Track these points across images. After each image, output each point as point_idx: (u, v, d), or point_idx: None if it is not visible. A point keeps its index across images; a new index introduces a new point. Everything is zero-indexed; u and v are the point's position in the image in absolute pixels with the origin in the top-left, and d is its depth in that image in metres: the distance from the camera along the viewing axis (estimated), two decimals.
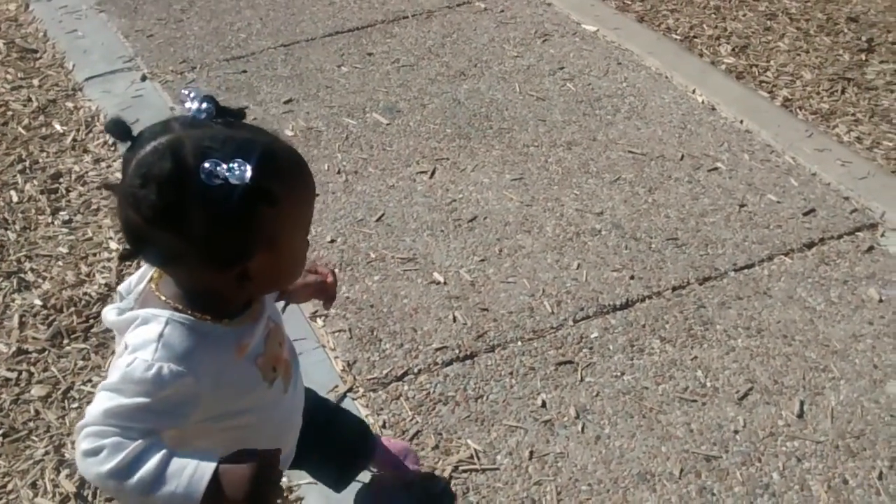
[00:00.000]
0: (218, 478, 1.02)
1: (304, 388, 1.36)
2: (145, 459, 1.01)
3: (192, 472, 1.02)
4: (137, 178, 1.01)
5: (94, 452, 1.02)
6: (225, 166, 0.98)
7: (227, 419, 1.15)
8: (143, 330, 1.07)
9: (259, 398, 1.19)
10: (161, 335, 1.06)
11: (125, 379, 1.03)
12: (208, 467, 1.02)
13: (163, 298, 1.11)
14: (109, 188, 1.13)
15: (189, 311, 1.10)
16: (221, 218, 1.01)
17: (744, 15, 3.90)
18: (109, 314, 1.15)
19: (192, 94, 1.05)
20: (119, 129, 1.05)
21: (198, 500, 1.01)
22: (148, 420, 1.03)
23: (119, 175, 1.09)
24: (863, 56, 3.59)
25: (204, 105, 1.03)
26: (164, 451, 1.02)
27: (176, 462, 1.02)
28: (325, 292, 1.39)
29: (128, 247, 1.09)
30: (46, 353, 2.19)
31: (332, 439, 1.60)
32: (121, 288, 1.20)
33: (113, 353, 1.19)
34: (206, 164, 0.98)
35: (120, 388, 1.04)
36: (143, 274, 1.18)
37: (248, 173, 0.99)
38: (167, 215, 1.01)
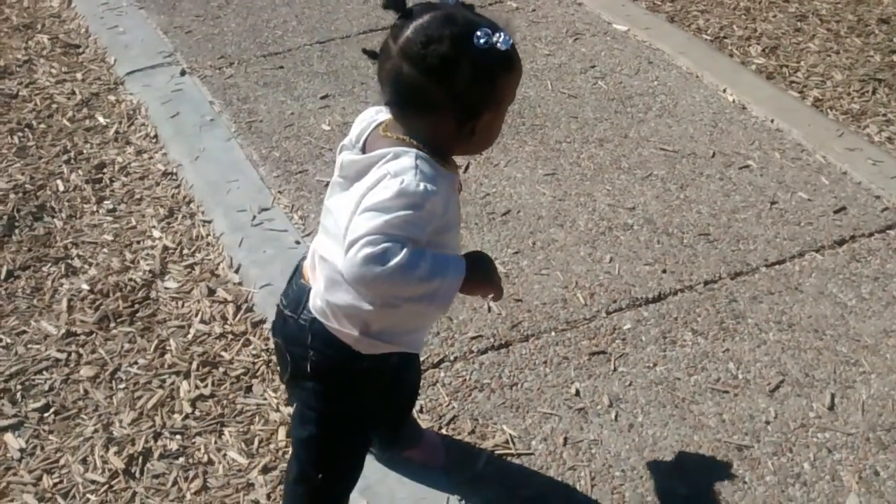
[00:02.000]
0: (469, 260, 1.31)
1: None
2: (420, 255, 1.23)
3: (454, 259, 1.30)
4: (422, 37, 1.25)
5: (376, 256, 1.20)
6: (494, 35, 1.24)
7: (434, 248, 1.31)
8: (399, 161, 1.28)
9: (452, 238, 1.42)
10: (416, 164, 1.27)
11: (400, 194, 1.23)
12: (458, 256, 1.32)
13: (402, 139, 1.32)
14: (370, 53, 1.34)
15: (425, 152, 1.31)
16: (480, 75, 1.26)
17: (774, 16, 3.92)
18: (351, 156, 1.37)
19: None
20: (397, 1, 1.29)
21: (462, 277, 1.28)
22: (409, 230, 1.23)
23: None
24: (894, 57, 3.60)
25: None
26: (430, 250, 1.25)
27: (438, 255, 1.27)
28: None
29: (392, 97, 1.31)
30: (94, 335, 2.27)
31: (409, 411, 1.87)
32: (345, 142, 1.42)
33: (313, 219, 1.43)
34: (479, 32, 1.23)
35: (388, 206, 1.22)
36: (361, 132, 1.40)
37: (510, 42, 1.25)
38: (442, 68, 1.25)
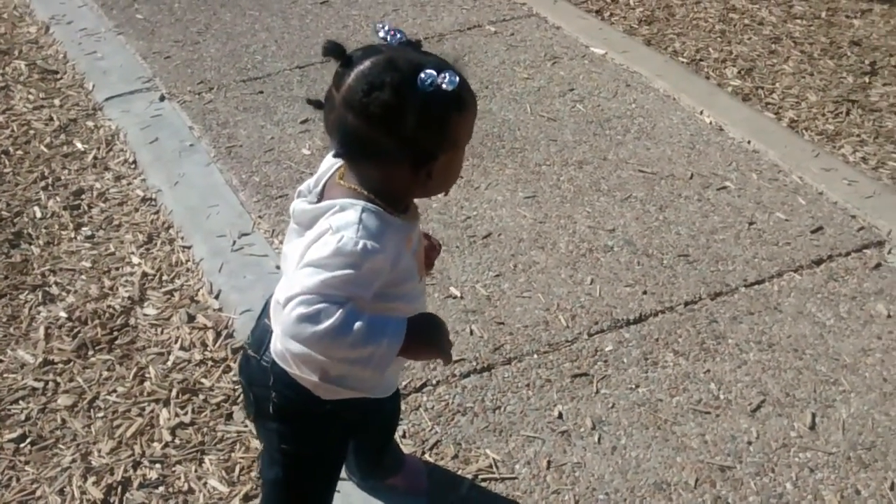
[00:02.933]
0: (411, 326, 1.24)
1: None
2: (356, 318, 1.19)
3: (394, 323, 1.23)
4: (364, 85, 1.20)
5: (309, 317, 1.17)
6: (438, 76, 1.18)
7: (388, 301, 1.30)
8: (344, 214, 1.24)
9: (412, 288, 1.38)
10: (360, 219, 1.23)
11: (337, 253, 1.19)
12: (403, 319, 1.25)
13: (353, 188, 1.28)
14: (314, 103, 1.30)
15: (377, 203, 1.27)
16: (428, 119, 1.21)
17: (749, 38, 3.98)
18: (301, 205, 1.33)
19: (385, 26, 1.27)
20: (336, 48, 1.24)
21: (400, 344, 1.22)
22: (348, 289, 1.20)
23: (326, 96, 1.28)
24: (866, 79, 3.66)
25: (397, 34, 1.26)
26: (366, 313, 1.21)
27: (378, 318, 1.22)
28: (428, 258, 1.52)
29: (339, 149, 1.27)
30: (72, 363, 2.24)
31: (388, 442, 1.83)
32: (301, 188, 1.39)
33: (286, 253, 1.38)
34: (423, 74, 1.18)
35: (327, 263, 1.19)
36: (319, 177, 1.37)
37: (457, 81, 1.19)
38: (389, 116, 1.20)
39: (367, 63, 1.21)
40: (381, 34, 1.25)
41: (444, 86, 1.18)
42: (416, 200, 1.38)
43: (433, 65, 1.20)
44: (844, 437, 2.04)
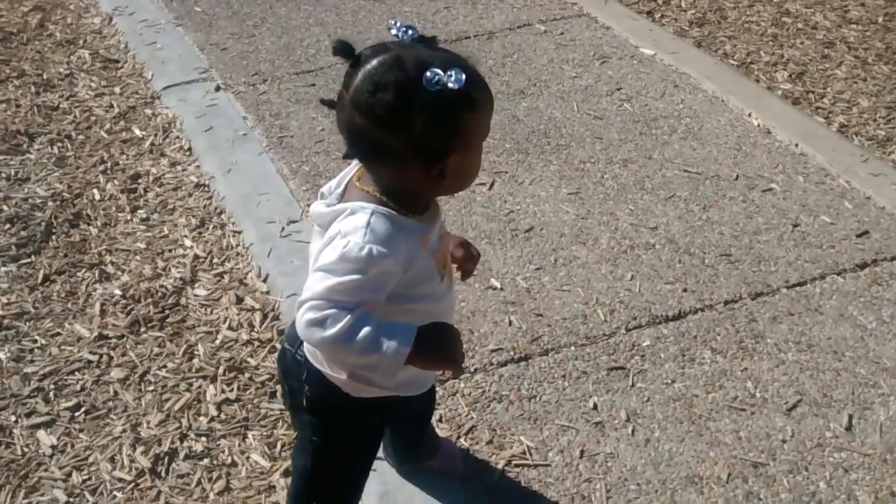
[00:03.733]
0: (420, 335, 1.23)
1: (455, 296, 1.53)
2: (363, 325, 1.20)
3: (402, 331, 1.22)
4: (369, 86, 1.18)
5: (318, 322, 1.20)
6: (444, 74, 1.16)
7: (407, 302, 1.31)
8: (353, 218, 1.24)
9: (432, 289, 1.36)
10: (369, 223, 1.23)
11: (342, 258, 1.20)
12: (413, 327, 1.24)
13: (367, 191, 1.28)
14: (327, 103, 1.29)
15: (389, 205, 1.26)
16: (436, 118, 1.19)
17: (801, 43, 3.94)
18: (319, 207, 1.33)
19: (397, 23, 1.24)
20: (345, 47, 1.22)
21: (406, 354, 1.21)
22: (357, 295, 1.21)
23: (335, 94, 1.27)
24: None
25: (409, 31, 1.23)
26: (376, 318, 1.21)
27: (386, 325, 1.22)
28: (465, 269, 1.55)
29: (350, 150, 1.27)
30: (125, 339, 2.33)
31: (423, 430, 1.86)
32: (323, 189, 1.39)
33: (307, 254, 1.39)
34: (428, 73, 1.16)
35: (335, 269, 1.20)
36: (341, 178, 1.37)
37: (463, 79, 1.16)
38: (394, 117, 1.18)
39: (374, 62, 1.19)
40: (394, 31, 1.23)
41: (450, 84, 1.16)
42: (439, 199, 1.37)
43: (440, 62, 1.17)
44: (881, 440, 2.03)
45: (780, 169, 3.02)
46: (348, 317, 1.19)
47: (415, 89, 1.17)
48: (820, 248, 2.64)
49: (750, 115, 3.35)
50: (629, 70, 3.64)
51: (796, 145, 3.16)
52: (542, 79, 3.57)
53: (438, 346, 1.27)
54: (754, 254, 2.61)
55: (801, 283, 2.50)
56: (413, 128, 1.19)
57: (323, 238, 1.28)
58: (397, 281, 1.27)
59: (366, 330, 1.20)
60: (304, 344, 1.37)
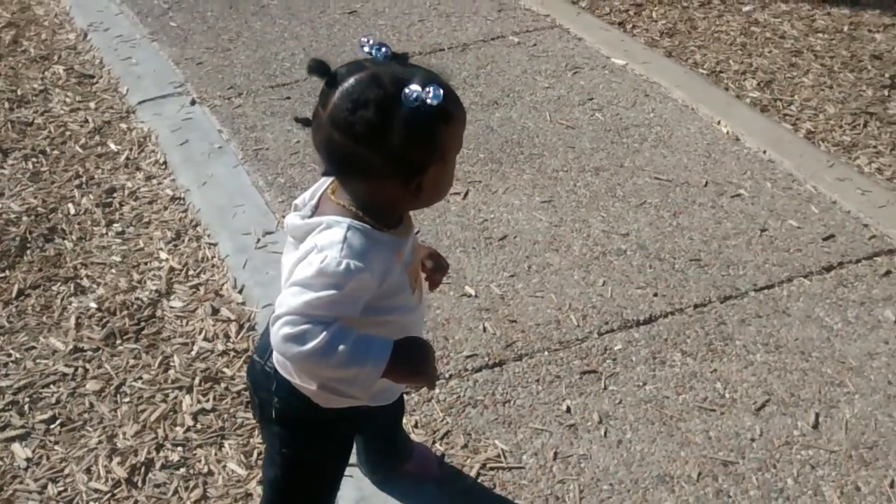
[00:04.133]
0: (397, 350, 1.26)
1: (424, 307, 1.56)
2: (341, 340, 1.21)
3: (379, 345, 1.25)
4: (348, 104, 1.20)
5: (295, 337, 1.21)
6: (422, 90, 1.18)
7: (380, 314, 1.33)
8: (329, 233, 1.26)
9: (404, 301, 1.39)
10: (345, 237, 1.24)
11: (320, 273, 1.22)
12: (389, 341, 1.26)
13: (342, 205, 1.30)
14: (302, 121, 1.31)
15: (364, 219, 1.28)
16: (414, 134, 1.21)
17: (769, 52, 4.02)
18: (293, 220, 1.34)
19: (369, 41, 1.27)
20: (320, 66, 1.24)
21: (383, 367, 1.24)
22: (334, 309, 1.22)
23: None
24: (885, 92, 3.69)
25: (382, 49, 1.26)
26: (354, 333, 1.23)
27: (363, 340, 1.24)
28: (434, 280, 1.58)
29: (328, 167, 1.29)
30: (100, 351, 2.34)
31: (394, 436, 1.88)
32: (297, 201, 1.40)
33: (280, 269, 1.40)
34: (407, 90, 1.18)
35: (311, 283, 1.22)
36: (315, 190, 1.38)
37: (441, 95, 1.19)
38: (374, 133, 1.21)
39: (351, 81, 1.21)
40: (367, 49, 1.26)
41: (428, 100, 1.18)
42: (411, 213, 1.40)
43: (418, 79, 1.20)
44: (847, 437, 2.08)
45: (748, 175, 3.08)
46: (325, 332, 1.21)
47: (393, 106, 1.19)
48: (787, 251, 2.70)
49: (719, 122, 3.42)
50: (601, 80, 3.70)
51: (764, 152, 3.22)
52: (515, 89, 3.62)
53: (414, 360, 1.30)
54: (723, 258, 2.66)
55: (769, 286, 2.55)
56: (392, 143, 1.21)
57: (297, 250, 1.30)
58: (371, 295, 1.28)
59: (343, 345, 1.21)
60: (274, 355, 1.37)
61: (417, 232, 2.58)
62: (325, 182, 1.37)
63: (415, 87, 1.18)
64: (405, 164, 1.24)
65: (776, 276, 2.59)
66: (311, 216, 1.33)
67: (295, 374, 1.38)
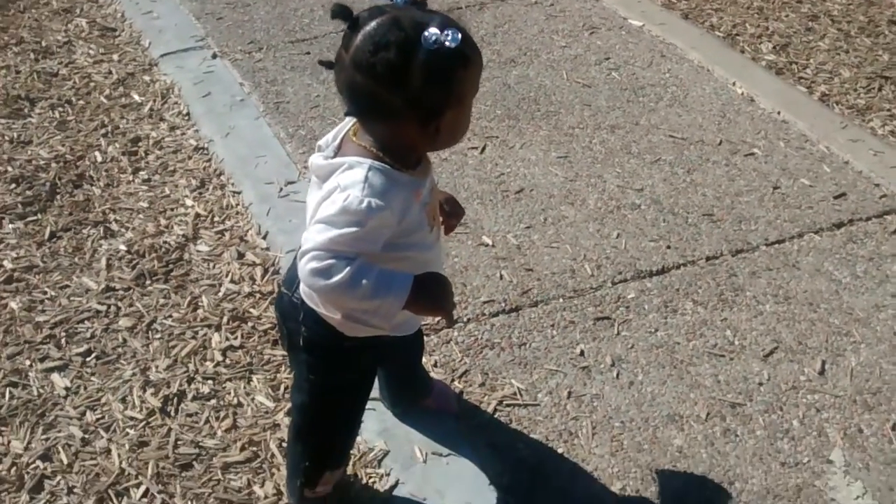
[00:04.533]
0: (417, 283, 1.32)
1: (442, 245, 1.62)
2: (365, 274, 1.28)
3: (401, 279, 1.31)
4: (370, 45, 1.24)
5: (321, 271, 1.28)
6: (441, 34, 1.22)
7: (399, 250, 1.40)
8: (351, 173, 1.32)
9: (422, 238, 1.45)
10: (366, 177, 1.30)
11: (342, 211, 1.28)
12: (410, 276, 1.32)
13: (364, 146, 1.35)
14: (326, 64, 1.35)
15: (384, 160, 1.34)
16: (433, 76, 1.25)
17: (786, 16, 4.04)
18: (317, 160, 1.40)
19: None
20: (343, 11, 1.28)
21: (404, 299, 1.31)
22: (356, 245, 1.29)
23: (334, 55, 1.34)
24: None
25: None
26: (377, 267, 1.30)
27: (386, 274, 1.31)
28: (450, 224, 1.66)
29: (351, 107, 1.34)
30: (131, 291, 2.43)
31: (413, 372, 1.97)
32: (320, 142, 1.45)
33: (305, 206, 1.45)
34: (427, 33, 1.22)
35: (335, 221, 1.28)
36: (338, 132, 1.43)
37: (459, 38, 1.23)
38: (394, 74, 1.25)
39: (372, 24, 1.25)
40: None
41: (447, 43, 1.22)
42: (429, 155, 1.45)
43: (437, 23, 1.24)
44: (851, 383, 2.16)
45: (762, 135, 3.13)
46: (350, 266, 1.27)
47: (413, 48, 1.23)
48: (798, 208, 2.75)
49: (734, 84, 3.45)
50: (617, 40, 3.73)
51: (778, 113, 3.26)
52: (532, 48, 3.66)
53: (433, 293, 1.36)
54: (735, 213, 2.73)
55: (780, 241, 2.61)
56: (412, 85, 1.25)
57: (321, 190, 1.35)
58: (392, 232, 1.35)
59: (367, 279, 1.28)
60: (300, 286, 1.45)
61: (434, 175, 2.65)
62: (348, 124, 1.42)
63: (434, 30, 1.22)
64: (424, 106, 1.28)
65: (787, 232, 2.65)
66: (333, 157, 1.39)
67: (321, 304, 1.46)
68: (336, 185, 1.31)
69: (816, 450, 1.99)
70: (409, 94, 1.26)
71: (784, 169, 2.94)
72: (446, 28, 1.23)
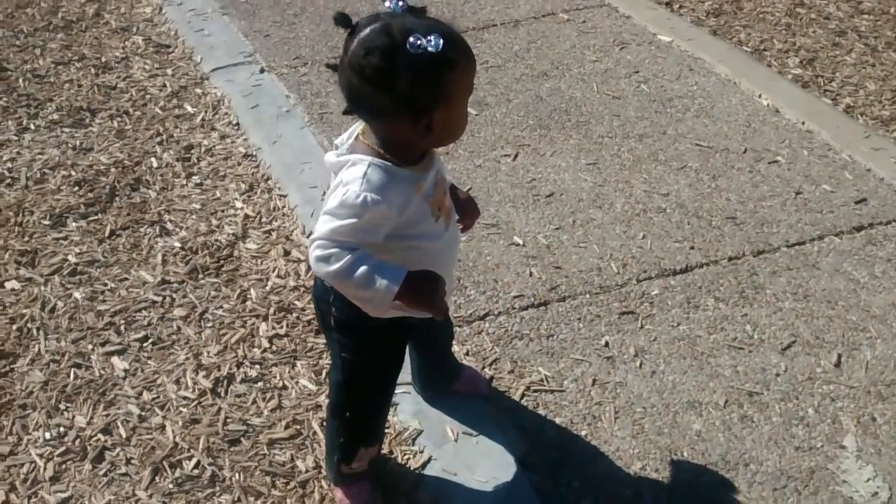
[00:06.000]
0: (410, 278, 1.44)
1: (458, 236, 1.74)
2: (362, 264, 1.43)
3: (394, 272, 1.44)
4: (361, 50, 1.38)
5: (323, 258, 1.44)
6: (424, 39, 1.35)
7: (406, 240, 1.54)
8: (353, 169, 1.47)
9: (428, 228, 1.57)
10: (365, 173, 1.44)
11: (342, 204, 1.43)
12: (403, 269, 1.45)
13: (368, 144, 1.49)
14: (332, 66, 1.49)
15: (385, 157, 1.48)
16: (418, 78, 1.38)
17: (814, 31, 4.14)
18: (330, 157, 1.55)
19: None
20: (344, 18, 1.43)
21: (396, 291, 1.43)
22: (355, 235, 1.43)
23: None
24: None
25: (400, 3, 1.44)
26: (374, 259, 1.44)
27: (381, 265, 1.44)
28: (466, 224, 1.79)
29: (348, 106, 1.48)
30: (185, 283, 2.60)
31: (443, 358, 2.11)
32: (337, 141, 1.60)
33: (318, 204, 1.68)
34: (412, 38, 1.35)
35: (337, 213, 1.43)
36: (352, 132, 1.58)
37: (441, 43, 1.36)
38: (382, 76, 1.38)
39: (366, 30, 1.38)
40: (388, 3, 1.44)
41: (429, 48, 1.34)
42: (437, 151, 1.58)
43: (423, 29, 1.36)
44: (866, 375, 2.25)
45: (786, 144, 3.23)
46: (349, 255, 1.42)
47: (400, 52, 1.36)
48: (820, 212, 2.85)
49: (760, 96, 3.56)
50: (647, 55, 3.87)
51: (803, 123, 3.37)
52: (564, 62, 3.80)
53: (423, 289, 1.49)
54: (758, 217, 2.83)
55: (801, 243, 2.71)
56: (399, 86, 1.38)
57: (333, 183, 1.51)
58: (394, 223, 1.48)
59: (363, 268, 1.42)
60: None
61: (440, 169, 2.79)
62: (360, 124, 1.55)
63: (418, 35, 1.35)
64: (412, 106, 1.40)
65: (808, 234, 2.75)
66: (345, 154, 1.52)
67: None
68: (340, 180, 1.46)
69: (830, 436, 2.09)
70: (397, 95, 1.39)
71: (807, 175, 3.04)
72: (430, 33, 1.36)
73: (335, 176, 1.53)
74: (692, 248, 2.70)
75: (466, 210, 1.78)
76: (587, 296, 2.52)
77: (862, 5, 4.39)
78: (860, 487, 1.96)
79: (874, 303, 2.48)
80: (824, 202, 2.90)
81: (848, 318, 2.43)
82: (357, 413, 1.85)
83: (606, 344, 2.35)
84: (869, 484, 1.97)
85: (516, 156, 3.18)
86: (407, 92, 1.39)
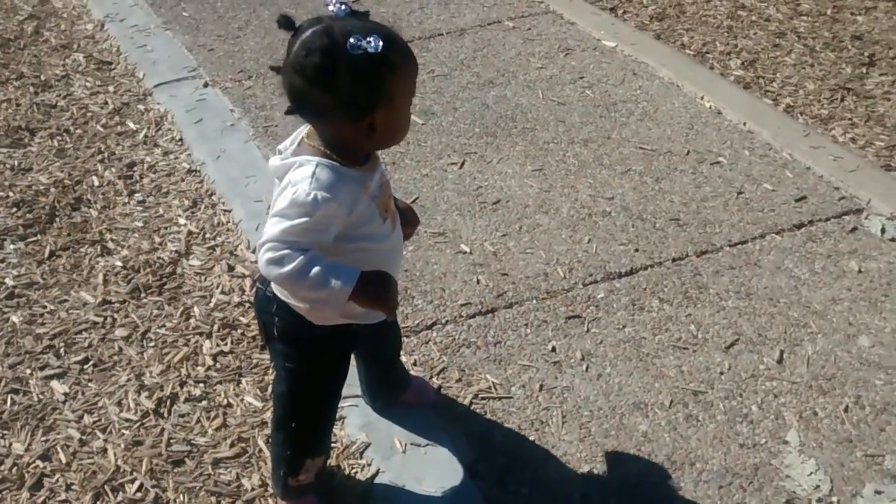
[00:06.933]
0: (363, 278, 1.46)
1: (402, 240, 1.74)
2: (315, 265, 1.43)
3: (347, 272, 1.45)
4: (303, 51, 1.40)
5: (275, 261, 1.43)
6: (364, 40, 1.37)
7: (355, 241, 1.54)
8: (301, 170, 1.47)
9: (375, 229, 1.58)
10: (314, 173, 1.45)
11: (292, 204, 1.42)
12: (356, 269, 1.46)
13: (314, 146, 1.50)
14: (276, 69, 1.50)
15: (332, 157, 1.48)
16: (358, 78, 1.40)
17: (754, 33, 4.21)
18: (275, 161, 1.55)
19: (333, 1, 1.45)
20: (287, 21, 1.45)
21: (349, 291, 1.44)
22: (307, 235, 1.43)
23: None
24: (864, 69, 3.88)
25: (342, 6, 1.44)
26: (326, 260, 1.44)
27: (334, 266, 1.45)
28: (406, 233, 1.78)
29: (291, 106, 1.48)
30: (127, 303, 2.56)
31: (392, 368, 2.10)
32: (280, 146, 1.60)
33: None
34: (352, 39, 1.37)
35: (287, 213, 1.43)
36: (295, 136, 1.58)
37: (381, 45, 1.38)
38: (323, 76, 1.40)
39: (308, 32, 1.40)
40: (331, 7, 1.44)
41: (369, 49, 1.37)
42: (379, 154, 1.60)
43: (363, 31, 1.38)
44: (808, 370, 2.28)
45: (728, 144, 3.28)
46: (301, 256, 1.41)
47: (340, 52, 1.38)
48: (761, 211, 2.90)
49: (702, 98, 3.61)
50: (591, 61, 3.90)
51: (744, 124, 3.42)
52: (509, 70, 3.82)
53: (376, 289, 1.50)
54: (701, 218, 2.87)
55: (743, 242, 2.75)
56: (340, 85, 1.39)
57: (278, 188, 1.51)
58: (343, 223, 1.48)
59: (316, 269, 1.42)
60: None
61: (383, 171, 2.79)
62: (303, 129, 1.56)
63: (358, 37, 1.37)
64: (353, 105, 1.42)
65: (750, 233, 2.79)
66: (290, 158, 1.52)
67: (289, 293, 1.59)
68: (288, 181, 1.46)
69: (773, 432, 2.11)
70: (337, 94, 1.41)
71: (748, 175, 3.09)
72: (370, 35, 1.38)
73: (279, 181, 1.53)
74: (637, 250, 2.72)
75: (408, 219, 1.78)
76: (534, 301, 2.52)
77: (800, 7, 4.48)
78: (803, 481, 1.99)
79: (815, 299, 2.52)
80: (765, 201, 2.95)
81: (789, 315, 2.46)
82: (303, 423, 1.83)
83: (553, 349, 2.35)
84: (811, 477, 1.99)
85: (463, 164, 3.18)
86: (347, 91, 1.40)
